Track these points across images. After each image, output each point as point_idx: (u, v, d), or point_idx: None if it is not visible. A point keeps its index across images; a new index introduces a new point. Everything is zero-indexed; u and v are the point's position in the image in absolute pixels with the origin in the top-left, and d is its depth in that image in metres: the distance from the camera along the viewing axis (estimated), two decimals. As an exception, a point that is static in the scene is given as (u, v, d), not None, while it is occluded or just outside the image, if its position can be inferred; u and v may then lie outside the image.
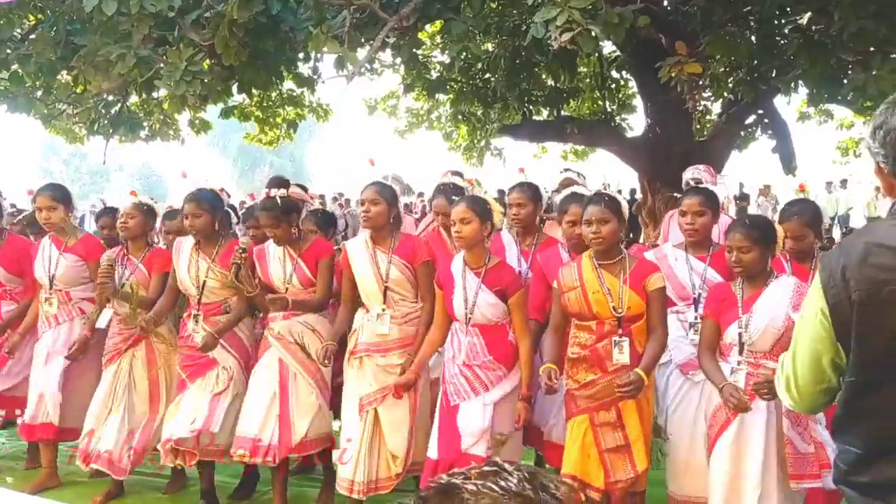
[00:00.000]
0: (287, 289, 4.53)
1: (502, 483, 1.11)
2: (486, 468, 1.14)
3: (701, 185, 4.55)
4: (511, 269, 4.22)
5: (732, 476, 3.57)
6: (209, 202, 4.60)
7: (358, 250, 4.44)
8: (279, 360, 4.51)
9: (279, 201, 4.44)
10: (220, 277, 4.58)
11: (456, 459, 3.94)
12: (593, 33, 4.44)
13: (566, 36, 4.34)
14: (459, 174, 5.17)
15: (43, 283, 5.08)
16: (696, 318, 4.09)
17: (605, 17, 4.60)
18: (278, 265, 4.56)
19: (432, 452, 4.07)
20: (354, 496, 4.29)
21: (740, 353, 3.61)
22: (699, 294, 4.18)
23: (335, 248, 5.07)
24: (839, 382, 2.01)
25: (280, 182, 4.85)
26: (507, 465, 1.14)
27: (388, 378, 4.31)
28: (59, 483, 5.07)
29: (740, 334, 3.60)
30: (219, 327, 4.58)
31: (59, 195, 5.10)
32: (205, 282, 4.62)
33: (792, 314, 3.44)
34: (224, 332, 4.60)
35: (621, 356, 3.70)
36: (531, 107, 11.16)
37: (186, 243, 4.71)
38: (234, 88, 6.69)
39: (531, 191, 4.69)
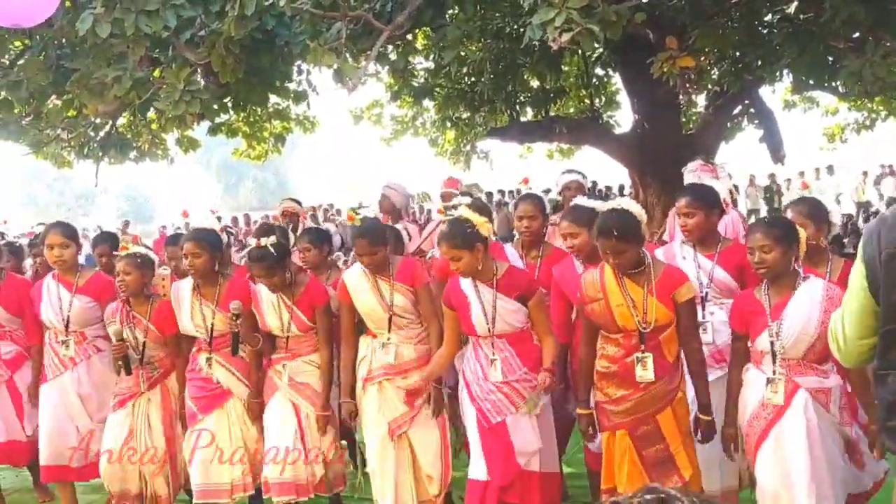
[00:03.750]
0: (288, 337, 4.44)
1: None
2: (649, 496, 1.09)
3: (695, 184, 4.50)
4: (522, 272, 4.15)
5: (781, 484, 3.41)
6: (209, 242, 4.47)
7: (358, 281, 4.36)
8: (290, 401, 4.43)
9: (271, 249, 4.28)
10: (225, 322, 4.46)
11: (516, 478, 3.91)
12: (593, 31, 4.47)
13: (566, 36, 4.37)
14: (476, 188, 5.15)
15: (55, 327, 4.88)
16: (703, 317, 4.02)
17: (603, 15, 4.62)
18: (273, 313, 4.44)
19: (478, 474, 3.95)
20: None
21: (773, 361, 3.46)
22: (706, 293, 4.15)
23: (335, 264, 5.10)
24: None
25: (267, 230, 4.71)
26: (672, 492, 1.09)
27: (414, 399, 4.27)
28: None
29: (772, 343, 3.44)
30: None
31: (70, 232, 4.96)
32: (212, 324, 4.51)
33: (825, 318, 3.21)
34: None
35: (645, 372, 3.56)
36: (518, 108, 11.20)
37: (184, 289, 4.57)
38: (230, 105, 6.68)
39: (540, 203, 4.62)
